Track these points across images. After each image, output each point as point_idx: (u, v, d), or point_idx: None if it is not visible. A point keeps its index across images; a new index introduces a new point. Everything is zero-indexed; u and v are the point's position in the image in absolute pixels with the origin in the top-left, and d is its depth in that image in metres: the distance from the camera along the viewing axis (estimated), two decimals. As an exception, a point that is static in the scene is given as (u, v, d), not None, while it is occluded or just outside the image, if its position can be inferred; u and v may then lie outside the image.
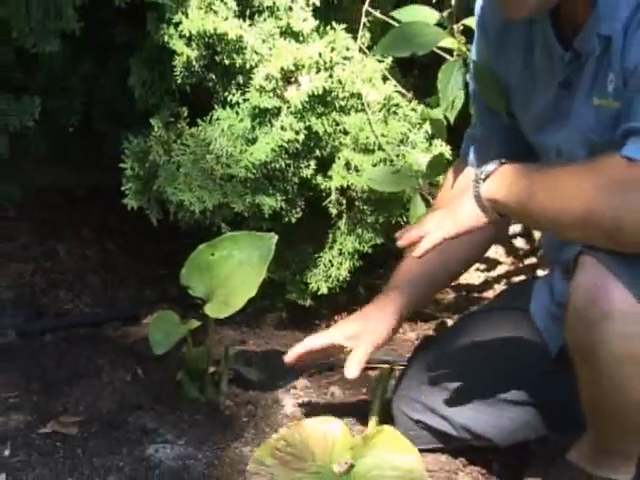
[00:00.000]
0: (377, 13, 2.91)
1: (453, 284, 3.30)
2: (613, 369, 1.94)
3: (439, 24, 2.62)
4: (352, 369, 2.37)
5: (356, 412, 2.62)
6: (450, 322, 3.25)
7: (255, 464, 2.28)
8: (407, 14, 2.67)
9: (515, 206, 2.04)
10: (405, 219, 3.03)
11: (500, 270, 3.46)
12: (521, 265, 3.50)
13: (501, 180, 2.06)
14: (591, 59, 2.06)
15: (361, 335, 2.43)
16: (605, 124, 2.03)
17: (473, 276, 3.55)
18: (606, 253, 1.90)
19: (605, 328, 1.91)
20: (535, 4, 2.02)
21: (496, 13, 2.23)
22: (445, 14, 2.67)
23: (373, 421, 2.46)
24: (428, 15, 2.63)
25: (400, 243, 2.20)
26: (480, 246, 2.56)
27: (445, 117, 2.72)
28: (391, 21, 2.77)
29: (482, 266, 3.56)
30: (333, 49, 2.99)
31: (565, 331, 2.02)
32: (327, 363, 2.89)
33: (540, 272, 3.30)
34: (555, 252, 2.39)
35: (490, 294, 3.36)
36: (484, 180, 2.08)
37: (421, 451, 2.41)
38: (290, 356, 2.48)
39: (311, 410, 2.67)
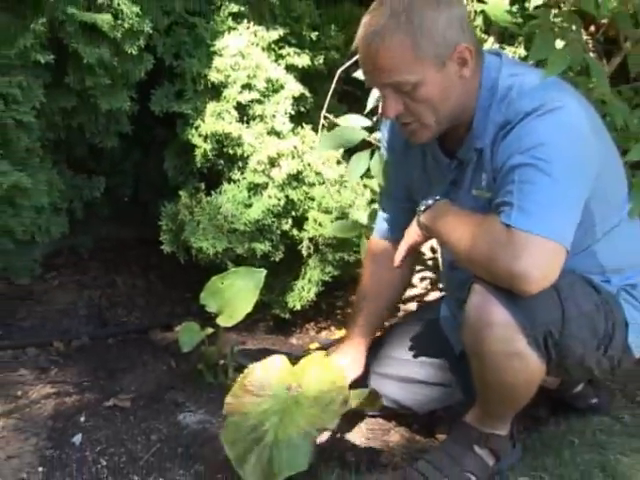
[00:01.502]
0: (332, 118, 2.90)
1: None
2: (493, 361, 1.96)
3: (369, 127, 2.65)
4: None
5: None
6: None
7: (231, 397, 2.23)
8: (346, 120, 2.70)
9: (437, 234, 2.07)
10: (354, 258, 3.02)
11: (415, 292, 3.44)
12: (430, 288, 3.48)
13: (432, 213, 2.08)
14: (470, 164, 2.09)
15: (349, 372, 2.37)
16: (483, 207, 2.04)
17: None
18: (491, 283, 1.92)
19: (487, 334, 1.93)
20: (431, 137, 2.07)
21: (400, 138, 2.25)
22: (375, 119, 2.69)
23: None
24: (360, 121, 2.67)
25: (398, 264, 2.21)
26: (408, 266, 2.46)
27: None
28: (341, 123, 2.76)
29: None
30: (303, 142, 2.98)
31: (462, 336, 2.03)
32: (296, 353, 2.88)
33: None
34: (453, 291, 2.39)
35: (409, 308, 3.34)
36: (424, 211, 2.10)
37: (363, 416, 2.40)
38: None
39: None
